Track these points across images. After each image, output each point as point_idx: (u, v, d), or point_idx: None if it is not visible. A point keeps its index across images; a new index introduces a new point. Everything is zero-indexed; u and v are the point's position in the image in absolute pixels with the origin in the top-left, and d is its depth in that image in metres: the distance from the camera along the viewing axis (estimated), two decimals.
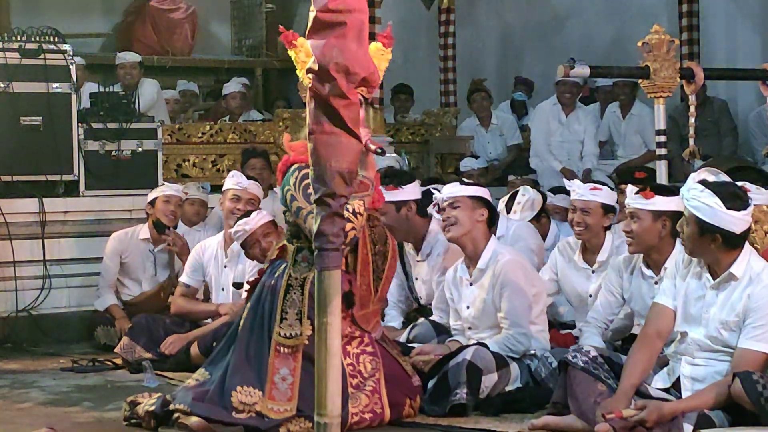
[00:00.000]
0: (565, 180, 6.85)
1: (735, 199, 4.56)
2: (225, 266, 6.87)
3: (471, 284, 5.67)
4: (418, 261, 6.49)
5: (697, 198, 4.56)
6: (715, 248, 4.57)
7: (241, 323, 5.25)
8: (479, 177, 9.42)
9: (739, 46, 10.51)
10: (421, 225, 6.40)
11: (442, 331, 6.07)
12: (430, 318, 6.20)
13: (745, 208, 4.57)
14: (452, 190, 5.70)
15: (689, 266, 4.73)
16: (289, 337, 5.06)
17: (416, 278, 6.52)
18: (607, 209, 5.99)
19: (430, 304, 6.32)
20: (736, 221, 4.54)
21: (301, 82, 5.39)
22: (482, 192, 5.73)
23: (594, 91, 11.04)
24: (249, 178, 7.49)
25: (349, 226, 4.96)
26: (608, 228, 6.05)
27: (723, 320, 4.57)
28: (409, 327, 6.25)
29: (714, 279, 4.63)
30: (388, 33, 5.04)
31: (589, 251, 6.08)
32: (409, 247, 6.52)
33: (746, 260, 4.60)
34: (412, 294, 6.60)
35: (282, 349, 5.06)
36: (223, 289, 6.90)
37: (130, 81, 9.89)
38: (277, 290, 5.15)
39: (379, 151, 4.82)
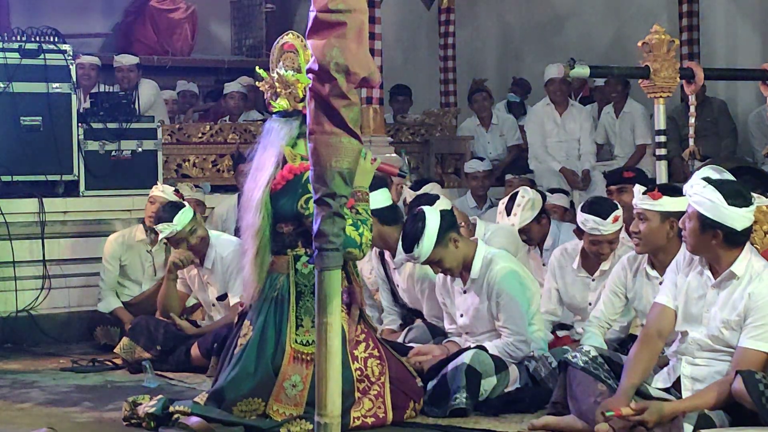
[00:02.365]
0: (579, 214, 6.25)
1: (737, 196, 4.56)
2: (208, 284, 6.83)
3: (464, 292, 5.64)
4: (393, 269, 6.38)
5: (699, 193, 4.56)
6: (716, 245, 4.56)
7: (242, 342, 5.15)
8: (484, 179, 9.39)
9: (739, 46, 10.51)
10: (390, 233, 6.14)
11: (437, 333, 6.07)
12: (426, 321, 6.19)
13: (747, 206, 4.57)
14: (422, 250, 5.45)
15: (690, 265, 4.73)
16: (306, 344, 5.02)
17: (398, 285, 6.42)
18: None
19: (419, 310, 6.31)
20: (737, 218, 4.54)
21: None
22: (437, 218, 5.53)
23: (593, 91, 11.03)
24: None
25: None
26: None
27: (724, 319, 4.56)
28: (405, 330, 6.24)
29: (715, 278, 4.63)
30: None
31: (592, 261, 6.06)
32: (388, 255, 6.36)
33: (747, 259, 4.60)
34: (397, 300, 6.53)
35: (299, 356, 5.04)
36: (214, 305, 6.87)
37: (128, 83, 9.89)
38: (284, 300, 5.09)
39: (402, 173, 5.37)
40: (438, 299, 5.87)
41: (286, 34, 5.27)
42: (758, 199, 5.35)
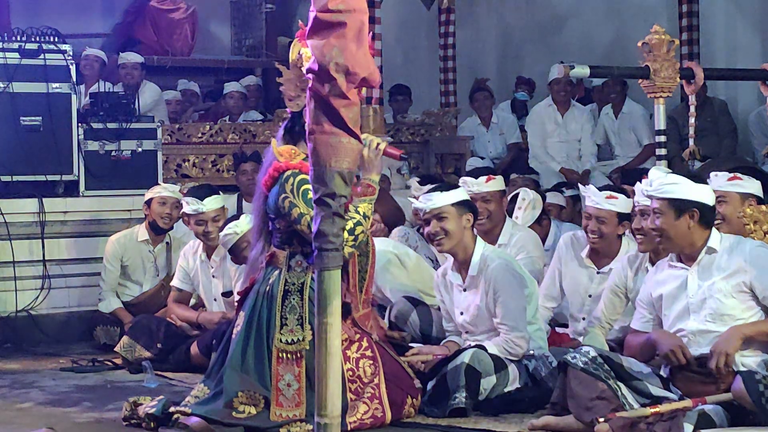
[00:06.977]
0: (580, 186, 6.78)
1: (694, 176, 4.72)
2: (213, 276, 6.86)
3: (464, 290, 5.64)
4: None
5: (663, 184, 4.67)
6: (693, 228, 4.65)
7: (236, 331, 5.20)
8: None
9: (739, 46, 10.51)
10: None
11: (418, 303, 6.18)
12: (404, 295, 6.26)
13: (706, 183, 4.74)
14: (435, 200, 5.54)
15: (657, 271, 4.85)
16: (290, 342, 5.04)
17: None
18: (622, 218, 5.92)
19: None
20: (706, 193, 4.68)
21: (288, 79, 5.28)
22: (463, 194, 5.64)
23: (590, 92, 11.04)
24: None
25: (359, 228, 4.97)
26: (621, 235, 6.03)
27: (724, 289, 4.63)
28: (387, 309, 6.27)
29: (691, 264, 4.70)
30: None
31: (601, 254, 6.01)
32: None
33: (718, 236, 4.72)
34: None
35: (284, 355, 5.04)
36: (215, 300, 6.89)
37: (131, 81, 9.91)
38: (273, 296, 5.11)
39: (404, 156, 5.18)
40: (437, 296, 5.87)
41: None
42: (748, 180, 5.40)
